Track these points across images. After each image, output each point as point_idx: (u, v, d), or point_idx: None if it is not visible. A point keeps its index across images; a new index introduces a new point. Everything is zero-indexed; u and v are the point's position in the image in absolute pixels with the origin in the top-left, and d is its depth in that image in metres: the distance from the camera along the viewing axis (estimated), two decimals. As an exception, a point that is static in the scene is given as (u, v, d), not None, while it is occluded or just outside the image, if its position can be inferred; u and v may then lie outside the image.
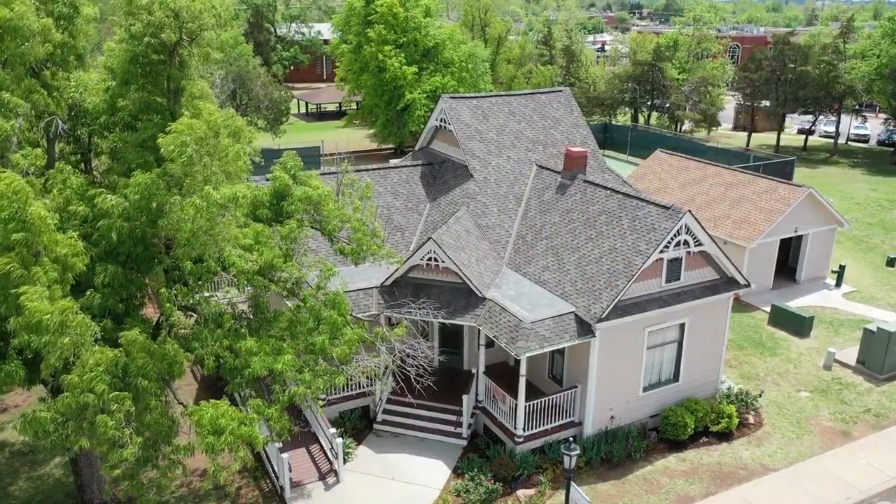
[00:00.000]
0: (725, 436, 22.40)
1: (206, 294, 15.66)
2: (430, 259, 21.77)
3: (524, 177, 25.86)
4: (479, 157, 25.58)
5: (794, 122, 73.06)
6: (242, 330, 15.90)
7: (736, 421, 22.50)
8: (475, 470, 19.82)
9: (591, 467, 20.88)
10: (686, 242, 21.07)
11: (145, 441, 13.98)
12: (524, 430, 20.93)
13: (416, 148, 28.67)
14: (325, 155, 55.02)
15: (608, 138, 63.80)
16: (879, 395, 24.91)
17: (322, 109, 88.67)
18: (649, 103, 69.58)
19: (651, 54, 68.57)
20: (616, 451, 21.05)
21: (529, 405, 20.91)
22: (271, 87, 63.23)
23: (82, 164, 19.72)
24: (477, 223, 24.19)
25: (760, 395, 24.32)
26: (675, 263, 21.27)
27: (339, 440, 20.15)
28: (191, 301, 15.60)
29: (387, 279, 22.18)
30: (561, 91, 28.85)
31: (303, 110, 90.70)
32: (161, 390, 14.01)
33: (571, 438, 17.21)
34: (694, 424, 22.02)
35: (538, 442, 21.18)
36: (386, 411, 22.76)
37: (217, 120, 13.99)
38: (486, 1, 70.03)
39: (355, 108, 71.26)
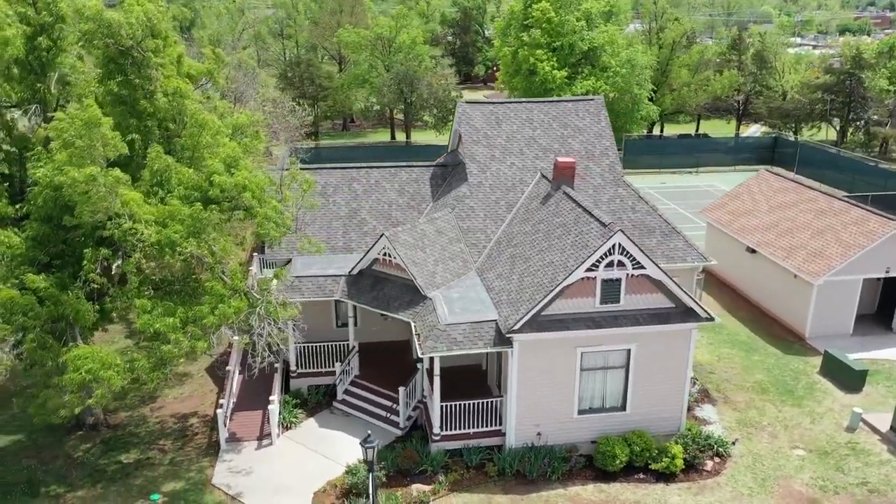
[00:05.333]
0: (666, 476, 20.77)
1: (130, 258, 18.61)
2: (385, 254, 22.98)
3: (524, 184, 25.77)
4: (479, 162, 26.01)
5: None
6: (145, 291, 18.72)
7: (680, 463, 20.72)
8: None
9: (503, 478, 20.74)
10: (621, 263, 19.93)
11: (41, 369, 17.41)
12: (441, 429, 21.39)
13: (448, 150, 29.61)
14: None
15: (777, 154, 58.09)
16: (892, 470, 21.17)
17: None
18: (845, 117, 61.74)
19: (850, 62, 60.75)
20: (529, 468, 20.66)
21: (447, 406, 21.34)
22: (438, 87, 66.47)
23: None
24: (460, 226, 24.77)
25: (734, 444, 22.05)
26: (611, 284, 20.21)
27: (273, 407, 22.31)
28: (112, 262, 18.75)
29: (352, 269, 23.81)
30: (592, 100, 27.93)
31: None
32: (43, 328, 17.21)
33: (370, 433, 17.41)
34: (627, 458, 20.77)
35: (457, 443, 21.48)
36: (346, 392, 24.43)
37: (95, 114, 16.73)
38: (664, 4, 66.90)
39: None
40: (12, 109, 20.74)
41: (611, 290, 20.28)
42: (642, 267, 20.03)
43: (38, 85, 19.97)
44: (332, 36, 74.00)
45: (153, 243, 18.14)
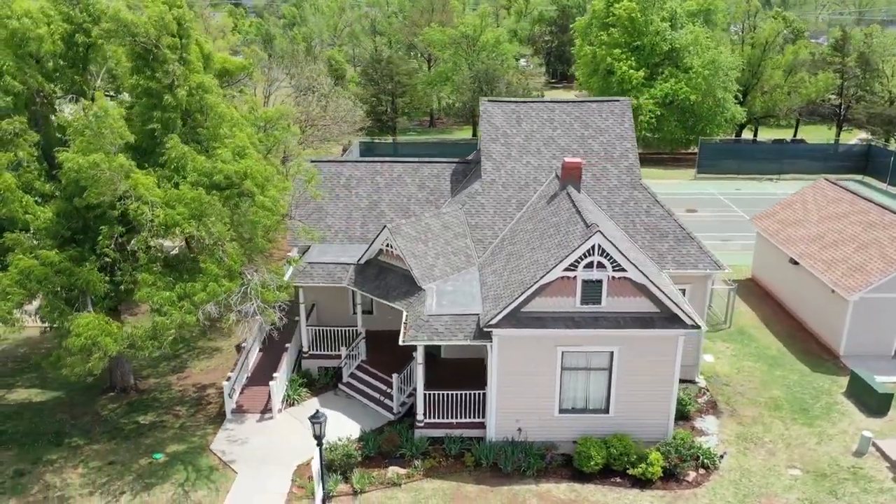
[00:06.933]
0: (642, 483, 20.51)
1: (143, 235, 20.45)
2: (388, 245, 23.89)
3: (538, 183, 25.94)
4: (495, 160, 26.40)
5: None
6: (154, 267, 20.52)
7: (657, 470, 20.40)
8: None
9: (479, 469, 21.18)
10: (601, 265, 19.87)
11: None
12: (425, 416, 22.10)
13: (477, 148, 30.08)
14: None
15: (871, 163, 54.37)
16: (892, 500, 19.93)
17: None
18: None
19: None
20: (505, 461, 20.99)
21: (431, 394, 22.03)
22: (518, 86, 66.65)
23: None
24: (469, 222, 25.30)
25: (722, 457, 21.43)
26: (592, 285, 20.19)
27: (275, 384, 23.74)
28: (124, 239, 20.68)
29: (360, 258, 24.88)
30: (618, 101, 27.59)
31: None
32: (57, 295, 19.31)
33: (318, 410, 18.12)
34: (604, 460, 20.68)
35: (439, 431, 22.12)
36: (352, 375, 25.56)
37: (104, 105, 18.55)
38: (757, 3, 63.93)
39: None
40: (59, 98, 23.15)
41: (592, 290, 20.27)
42: (623, 269, 19.89)
43: (76, 77, 22.23)
44: (421, 34, 75.69)
45: (160, 223, 19.90)
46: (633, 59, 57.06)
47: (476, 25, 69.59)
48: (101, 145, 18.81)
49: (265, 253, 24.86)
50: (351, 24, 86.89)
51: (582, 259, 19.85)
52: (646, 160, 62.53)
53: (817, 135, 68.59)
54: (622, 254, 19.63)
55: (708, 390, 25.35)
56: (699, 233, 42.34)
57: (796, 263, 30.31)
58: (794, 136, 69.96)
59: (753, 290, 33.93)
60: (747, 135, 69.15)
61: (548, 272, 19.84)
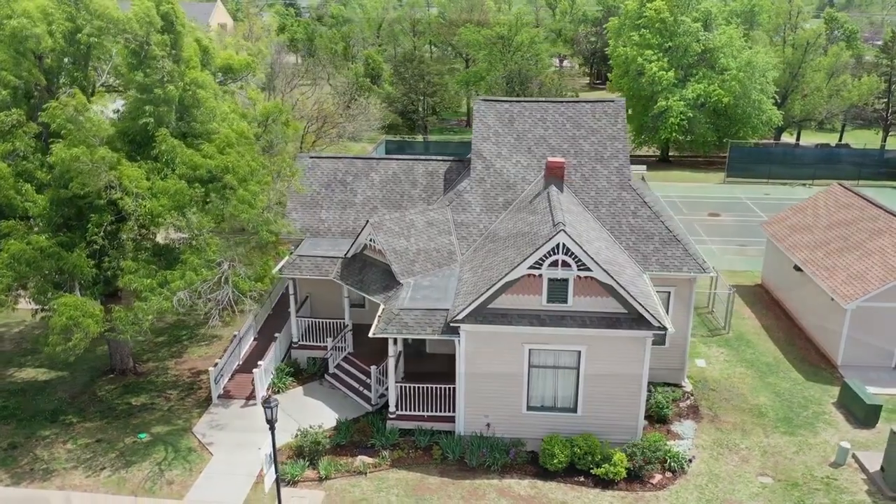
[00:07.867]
0: (605, 483, 20.48)
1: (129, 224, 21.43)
2: (371, 240, 24.38)
3: (526, 182, 26.04)
4: (485, 159, 26.60)
5: None
6: (140, 255, 21.48)
7: (621, 471, 20.35)
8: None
9: (445, 462, 21.48)
10: (566, 264, 19.91)
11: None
12: (397, 408, 22.51)
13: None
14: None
15: (911, 169, 52.38)
16: (861, 512, 19.44)
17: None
18: None
19: None
20: (469, 456, 21.23)
21: (403, 387, 22.43)
22: (551, 86, 66.38)
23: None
24: (455, 219, 25.60)
25: (690, 461, 21.21)
26: (558, 284, 20.27)
27: (258, 371, 24.50)
28: (114, 227, 21.72)
29: (346, 252, 25.46)
30: (613, 101, 27.42)
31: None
32: (46, 278, 20.44)
33: (270, 395, 18.61)
34: (567, 459, 20.74)
35: (410, 424, 22.50)
36: (338, 367, 26.15)
37: (83, 101, 19.52)
38: (799, 2, 62.07)
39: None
40: (65, 94, 24.36)
41: (558, 289, 20.34)
42: (588, 269, 19.89)
43: (77, 74, 23.41)
44: (458, 34, 76.06)
45: (145, 213, 20.83)
46: (665, 60, 56.23)
47: (511, 25, 69.57)
48: (83, 138, 19.81)
49: (277, 245, 25.71)
50: (392, 24, 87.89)
51: (547, 257, 19.94)
52: (676, 163, 61.82)
53: (865, 140, 66.18)
54: (587, 253, 19.64)
55: (692, 394, 25.04)
56: (718, 237, 42.01)
57: (800, 270, 29.59)
58: (840, 140, 67.79)
59: (761, 297, 33.23)
60: (788, 138, 67.33)
61: (512, 269, 20.00)
